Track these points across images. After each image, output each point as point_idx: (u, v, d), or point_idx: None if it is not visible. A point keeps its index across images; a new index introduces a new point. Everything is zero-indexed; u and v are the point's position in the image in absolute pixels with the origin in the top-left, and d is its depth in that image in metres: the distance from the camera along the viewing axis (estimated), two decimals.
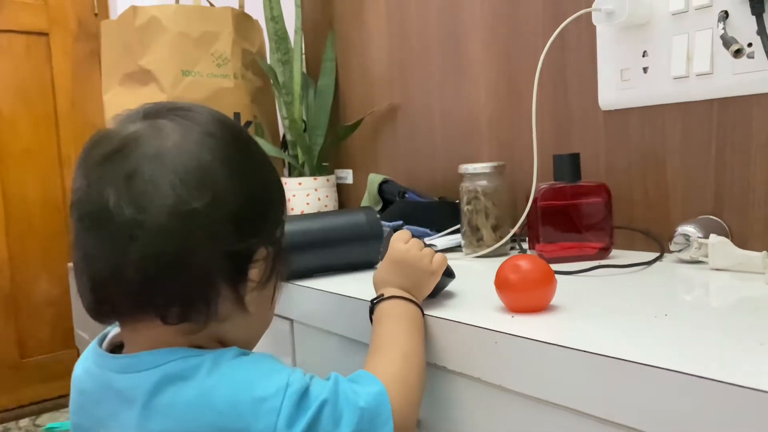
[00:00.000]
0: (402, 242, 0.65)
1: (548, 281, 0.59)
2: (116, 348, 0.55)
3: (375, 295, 0.63)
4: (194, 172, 0.48)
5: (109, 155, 0.49)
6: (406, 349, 0.56)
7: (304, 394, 0.47)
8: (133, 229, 0.46)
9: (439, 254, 0.65)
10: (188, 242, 0.47)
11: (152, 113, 0.52)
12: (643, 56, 0.86)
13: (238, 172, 0.51)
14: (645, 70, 0.86)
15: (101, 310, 0.51)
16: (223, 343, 0.52)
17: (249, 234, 0.51)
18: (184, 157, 0.49)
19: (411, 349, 0.56)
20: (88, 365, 0.54)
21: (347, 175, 1.53)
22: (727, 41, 0.73)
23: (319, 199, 1.44)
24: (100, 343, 0.55)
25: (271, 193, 0.56)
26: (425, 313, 0.61)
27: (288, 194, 1.44)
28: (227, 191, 0.49)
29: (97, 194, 0.48)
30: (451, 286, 0.70)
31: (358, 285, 0.74)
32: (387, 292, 0.61)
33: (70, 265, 1.86)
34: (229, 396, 0.46)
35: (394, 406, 0.50)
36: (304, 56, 1.56)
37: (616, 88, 0.90)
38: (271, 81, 1.49)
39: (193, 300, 0.49)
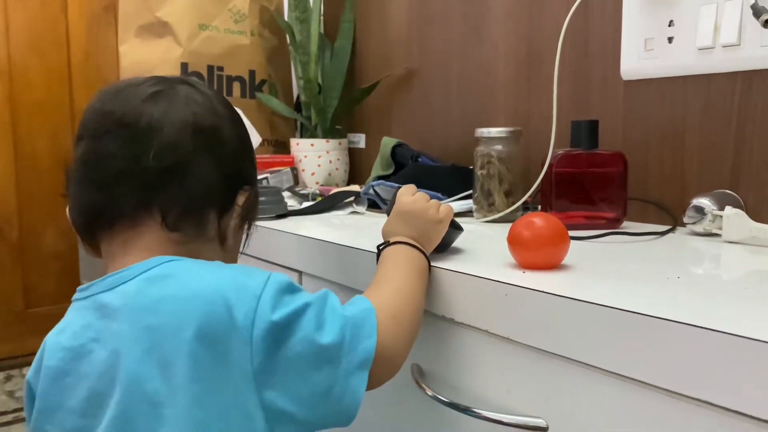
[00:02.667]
0: (408, 195, 0.66)
1: (561, 239, 0.58)
2: None
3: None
4: (205, 106, 0.58)
5: (134, 85, 0.57)
6: (400, 284, 0.57)
7: (287, 288, 0.50)
8: (158, 125, 0.54)
9: (445, 204, 0.66)
10: (198, 150, 0.55)
11: (160, 76, 0.59)
12: (669, 26, 0.85)
13: (233, 117, 0.61)
14: (670, 40, 0.85)
15: (101, 215, 0.54)
16: None
17: (239, 167, 0.60)
18: (196, 97, 0.58)
19: (405, 286, 0.57)
20: (69, 312, 0.55)
21: (359, 140, 1.52)
22: (757, 10, 0.71)
23: (330, 161, 1.43)
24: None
25: (250, 142, 0.64)
26: (434, 265, 0.61)
27: (299, 155, 1.43)
28: (227, 126, 0.59)
29: (121, 104, 0.55)
30: (461, 245, 0.70)
31: (367, 238, 0.74)
32: (393, 239, 0.62)
33: None
34: (214, 285, 0.48)
35: (380, 329, 0.51)
36: (322, 17, 1.55)
37: (639, 57, 0.88)
38: (288, 39, 1.48)
39: (191, 205, 0.55)
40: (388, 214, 0.68)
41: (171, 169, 0.54)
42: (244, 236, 0.64)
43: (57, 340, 0.53)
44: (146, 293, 0.49)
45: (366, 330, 0.50)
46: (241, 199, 0.59)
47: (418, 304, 0.57)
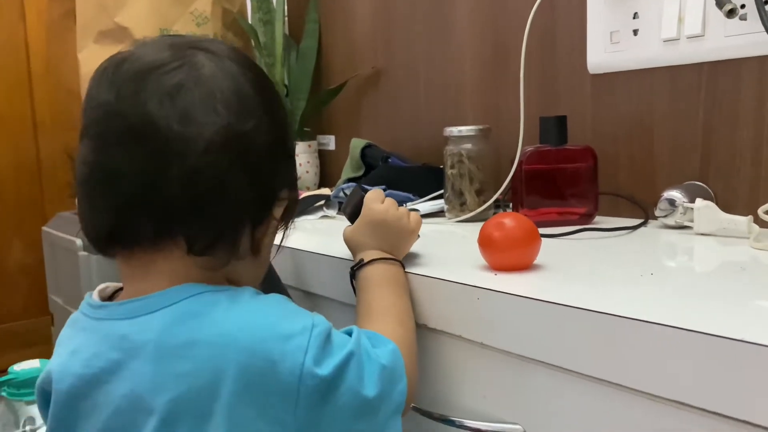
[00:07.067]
0: (378, 202, 0.62)
1: (532, 240, 0.57)
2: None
3: (354, 261, 0.61)
4: (237, 100, 0.47)
5: (146, 72, 0.46)
6: (399, 314, 0.55)
7: (329, 337, 0.46)
8: (180, 144, 0.44)
9: (413, 213, 0.64)
10: (230, 166, 0.46)
11: (177, 45, 0.49)
12: (634, 18, 0.84)
13: (271, 106, 0.50)
14: (635, 32, 0.84)
15: (119, 236, 0.47)
16: (233, 285, 0.50)
17: (278, 170, 0.50)
18: (224, 84, 0.47)
19: (403, 313, 0.55)
20: (77, 327, 0.49)
21: (329, 141, 1.50)
22: (719, 1, 0.71)
23: (300, 164, 1.41)
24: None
25: (291, 132, 0.54)
26: (407, 270, 0.59)
27: None
28: (264, 122, 0.48)
29: (133, 108, 0.45)
30: (433, 248, 0.69)
31: (339, 243, 0.73)
32: (367, 256, 0.59)
33: (45, 229, 1.82)
34: (254, 333, 0.43)
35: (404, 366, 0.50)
36: (286, 17, 1.52)
37: (605, 50, 0.88)
38: (252, 42, 1.45)
39: (223, 231, 0.47)
40: (348, 216, 0.65)
41: (199, 196, 0.45)
42: (280, 239, 0.56)
43: (68, 362, 0.47)
44: (174, 333, 0.44)
45: (398, 374, 0.49)
46: (278, 211, 0.51)
47: (414, 326, 0.56)
